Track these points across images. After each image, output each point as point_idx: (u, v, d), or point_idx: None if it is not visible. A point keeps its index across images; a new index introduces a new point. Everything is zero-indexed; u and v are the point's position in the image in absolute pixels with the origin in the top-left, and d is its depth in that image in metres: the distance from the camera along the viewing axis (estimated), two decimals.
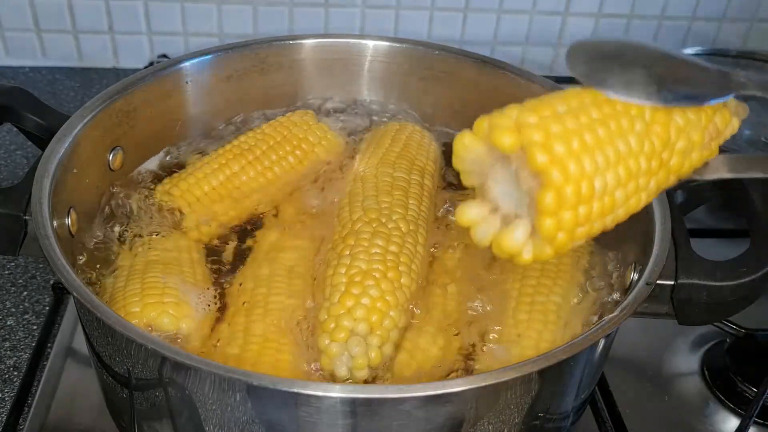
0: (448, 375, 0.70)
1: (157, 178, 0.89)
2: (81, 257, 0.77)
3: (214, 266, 0.79)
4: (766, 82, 0.58)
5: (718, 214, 1.13)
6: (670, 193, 0.74)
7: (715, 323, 0.92)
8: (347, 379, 0.68)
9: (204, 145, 0.95)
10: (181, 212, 0.83)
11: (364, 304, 0.69)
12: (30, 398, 0.82)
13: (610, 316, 0.63)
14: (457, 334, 0.73)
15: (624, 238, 0.78)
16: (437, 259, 0.80)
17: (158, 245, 0.79)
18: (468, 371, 0.71)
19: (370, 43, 1.00)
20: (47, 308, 0.93)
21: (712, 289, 0.69)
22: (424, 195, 0.82)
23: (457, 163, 0.57)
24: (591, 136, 0.53)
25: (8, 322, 0.92)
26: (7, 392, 0.84)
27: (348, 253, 0.73)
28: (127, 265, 0.76)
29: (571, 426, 0.75)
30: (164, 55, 1.37)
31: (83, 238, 0.79)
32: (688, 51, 1.37)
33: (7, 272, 0.98)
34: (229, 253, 0.81)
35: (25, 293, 0.96)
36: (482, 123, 0.54)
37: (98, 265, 0.77)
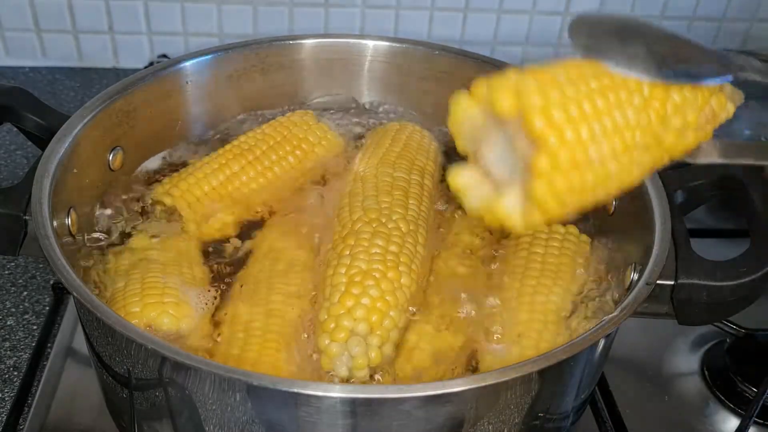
0: (448, 375, 0.70)
1: (157, 179, 0.89)
2: (81, 257, 0.77)
3: (214, 266, 0.79)
4: (764, 67, 0.59)
5: (718, 214, 1.13)
6: (670, 193, 0.74)
7: (715, 323, 0.92)
8: (348, 379, 0.68)
9: (204, 145, 0.95)
10: (181, 212, 0.83)
11: (364, 304, 0.69)
12: (30, 398, 0.82)
13: (610, 316, 0.63)
14: (457, 334, 0.73)
15: (624, 238, 0.78)
16: (437, 258, 0.80)
17: (158, 245, 0.79)
18: (468, 371, 0.71)
19: (370, 43, 1.00)
20: (47, 308, 0.93)
21: (712, 289, 0.69)
22: (424, 195, 0.82)
23: (452, 126, 0.57)
24: (589, 105, 0.53)
25: (8, 322, 0.92)
26: (7, 392, 0.84)
27: (348, 253, 0.73)
28: (126, 265, 0.76)
29: (571, 426, 0.75)
30: (164, 55, 1.37)
31: (83, 238, 0.79)
32: None
33: (7, 272, 0.98)
34: (229, 253, 0.81)
35: (25, 293, 0.96)
36: (481, 85, 0.54)
37: (98, 265, 0.77)
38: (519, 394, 0.62)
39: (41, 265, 0.99)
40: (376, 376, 0.69)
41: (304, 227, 0.83)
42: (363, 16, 1.37)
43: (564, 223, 0.82)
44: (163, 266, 0.75)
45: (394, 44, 1.00)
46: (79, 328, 0.89)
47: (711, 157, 0.62)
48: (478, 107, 0.54)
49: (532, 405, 0.64)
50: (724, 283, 0.69)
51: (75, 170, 0.76)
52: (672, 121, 0.57)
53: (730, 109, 0.61)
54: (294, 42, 0.99)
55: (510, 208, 0.55)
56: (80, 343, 0.89)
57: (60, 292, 0.94)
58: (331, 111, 1.01)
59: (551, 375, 0.63)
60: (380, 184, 0.81)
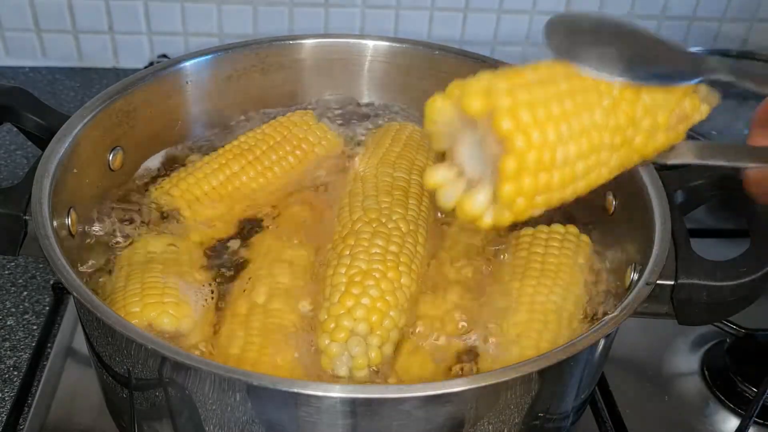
0: (448, 375, 0.70)
1: (157, 179, 0.89)
2: (81, 257, 0.77)
3: (214, 266, 0.79)
4: (737, 68, 0.59)
5: (718, 214, 1.13)
6: (670, 193, 0.74)
7: (715, 323, 0.92)
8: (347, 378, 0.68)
9: (204, 145, 0.95)
10: (180, 212, 0.83)
11: (364, 304, 0.69)
12: (30, 398, 0.82)
13: (610, 316, 0.63)
14: (457, 334, 0.73)
15: (624, 238, 0.78)
16: (437, 258, 0.80)
17: (158, 245, 0.79)
18: (468, 371, 0.70)
19: (370, 43, 1.00)
20: (47, 308, 0.93)
21: (712, 289, 0.69)
22: (424, 195, 0.82)
23: (428, 125, 0.58)
24: (557, 106, 0.53)
25: (8, 322, 0.92)
26: (7, 392, 0.84)
27: (348, 253, 0.73)
28: (126, 265, 0.76)
29: (571, 426, 0.75)
30: (164, 55, 1.37)
31: (83, 238, 0.79)
32: None
33: (7, 272, 0.98)
34: (229, 253, 0.81)
35: (25, 293, 0.96)
36: (455, 86, 0.55)
37: (98, 265, 0.77)
38: (519, 394, 0.62)
39: (41, 265, 0.99)
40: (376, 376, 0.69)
41: (304, 227, 0.83)
42: (363, 16, 1.37)
43: (564, 223, 0.82)
44: (163, 266, 0.75)
45: (394, 44, 1.00)
46: (79, 328, 0.89)
47: (685, 157, 0.62)
48: (452, 108, 0.55)
49: (532, 405, 0.64)
50: (724, 283, 0.69)
51: (75, 170, 0.76)
52: (641, 122, 0.57)
53: (703, 110, 0.61)
54: (294, 42, 0.99)
55: (480, 207, 0.56)
56: (80, 343, 0.89)
57: (60, 292, 0.94)
58: (331, 111, 1.01)
59: (551, 375, 0.63)
60: (380, 184, 0.81)
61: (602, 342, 0.67)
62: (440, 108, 0.56)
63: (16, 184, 0.72)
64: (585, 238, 0.82)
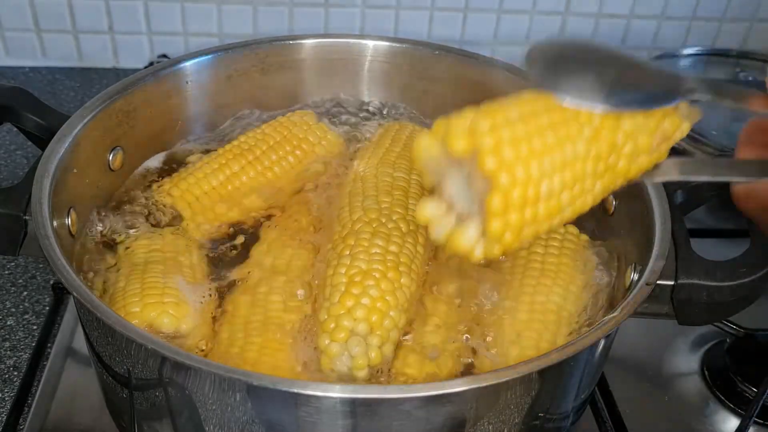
0: (448, 375, 0.70)
1: (157, 179, 0.89)
2: (81, 257, 0.77)
3: (214, 266, 0.79)
4: (716, 87, 0.59)
5: (718, 214, 1.13)
6: (670, 193, 0.74)
7: (715, 323, 0.92)
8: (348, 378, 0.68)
9: (204, 145, 0.95)
10: (181, 212, 0.83)
11: (364, 304, 0.69)
12: (30, 398, 0.82)
13: (610, 316, 0.63)
14: (456, 334, 0.73)
15: (624, 238, 0.78)
16: (436, 259, 0.80)
17: (158, 245, 0.79)
18: (468, 371, 0.71)
19: (370, 43, 1.00)
20: (47, 308, 0.93)
21: (712, 289, 0.69)
22: (425, 195, 0.82)
23: (417, 162, 0.59)
24: (540, 141, 0.55)
25: (8, 322, 0.92)
26: (7, 392, 0.84)
27: (348, 253, 0.73)
28: (126, 265, 0.76)
29: (571, 426, 0.75)
30: (164, 55, 1.37)
31: (83, 238, 0.79)
32: (688, 51, 1.37)
33: (7, 272, 0.98)
34: (229, 253, 0.81)
35: (25, 293, 0.96)
36: (440, 125, 0.56)
37: (98, 265, 0.77)
38: (519, 394, 0.62)
39: (41, 265, 0.99)
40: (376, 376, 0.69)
41: (304, 227, 0.83)
42: (363, 16, 1.37)
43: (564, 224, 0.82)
44: (163, 266, 0.75)
45: (394, 44, 1.00)
46: (79, 328, 0.89)
47: (670, 175, 0.63)
48: (439, 146, 0.56)
49: (532, 405, 0.64)
50: (724, 283, 0.69)
51: (75, 170, 0.76)
52: (623, 147, 0.59)
53: (684, 127, 0.62)
54: (294, 42, 0.99)
55: (470, 242, 0.57)
56: (80, 343, 0.89)
57: (60, 292, 0.94)
58: (331, 111, 1.01)
59: (551, 375, 0.63)
60: (380, 184, 0.81)
61: (602, 342, 0.68)
62: (426, 146, 0.57)
63: (16, 184, 0.72)
64: (585, 238, 0.82)
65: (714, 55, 1.38)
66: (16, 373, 0.86)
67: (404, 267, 0.72)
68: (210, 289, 0.76)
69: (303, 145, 0.91)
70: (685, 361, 0.93)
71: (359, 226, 0.75)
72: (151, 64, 1.36)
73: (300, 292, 0.75)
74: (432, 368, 0.70)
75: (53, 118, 0.80)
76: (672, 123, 0.61)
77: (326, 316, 0.69)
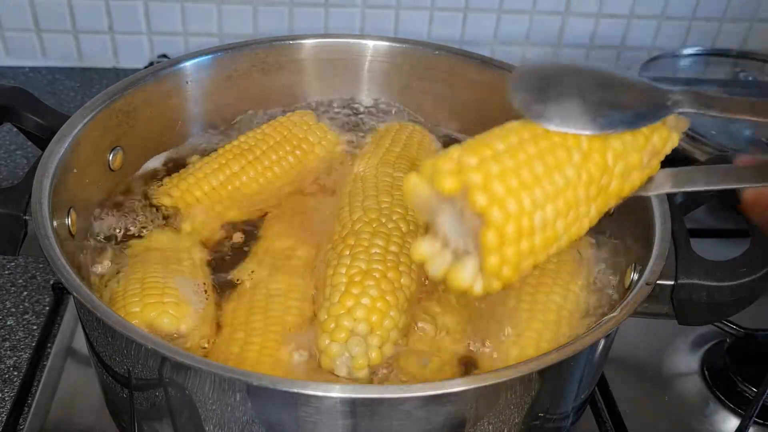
0: (448, 375, 0.70)
1: (157, 179, 0.89)
2: (81, 257, 0.77)
3: (214, 266, 0.79)
4: (701, 99, 0.59)
5: (718, 214, 1.13)
6: (669, 194, 0.74)
7: (715, 323, 0.92)
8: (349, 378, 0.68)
9: (204, 145, 0.95)
10: (181, 212, 0.83)
11: (364, 304, 0.69)
12: (30, 398, 0.82)
13: (610, 316, 0.63)
14: (456, 334, 0.73)
15: (624, 239, 0.78)
16: None
17: (158, 245, 0.79)
18: (468, 371, 0.71)
19: (370, 43, 1.00)
20: (47, 308, 0.93)
21: (712, 289, 0.69)
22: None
23: (408, 201, 0.59)
24: (529, 172, 0.54)
25: (8, 322, 0.92)
26: (7, 392, 0.84)
27: (348, 253, 0.73)
28: (126, 265, 0.76)
29: (571, 426, 0.75)
30: (164, 55, 1.37)
31: (83, 238, 0.79)
32: (688, 51, 1.37)
33: (7, 272, 0.98)
34: (229, 253, 0.81)
35: (25, 293, 0.96)
36: (427, 166, 0.55)
37: (98, 266, 0.77)
38: (519, 394, 0.62)
39: (41, 265, 0.99)
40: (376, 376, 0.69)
41: (304, 227, 0.83)
42: (363, 16, 1.37)
43: None
44: (163, 266, 0.75)
45: (394, 44, 1.00)
46: (79, 328, 0.89)
47: (663, 187, 0.63)
48: (428, 185, 0.56)
49: (532, 405, 0.64)
50: (724, 283, 0.69)
51: (75, 170, 0.76)
52: (614, 168, 0.59)
53: (674, 139, 0.62)
54: (294, 42, 0.99)
55: (468, 278, 0.56)
56: (80, 343, 0.89)
57: (60, 292, 0.94)
58: (331, 111, 1.01)
59: (551, 375, 0.63)
60: (380, 184, 0.81)
61: (602, 342, 0.68)
62: (415, 185, 0.57)
63: (16, 184, 0.72)
64: (585, 238, 0.82)
65: (714, 55, 1.38)
66: (16, 373, 0.86)
67: (404, 267, 0.72)
68: (210, 289, 0.76)
69: (303, 145, 0.91)
70: (685, 361, 0.93)
71: (359, 226, 0.75)
72: (151, 64, 1.36)
73: (299, 292, 0.75)
74: (432, 368, 0.70)
75: (53, 118, 0.80)
76: (661, 137, 0.61)
77: (326, 316, 0.69)
